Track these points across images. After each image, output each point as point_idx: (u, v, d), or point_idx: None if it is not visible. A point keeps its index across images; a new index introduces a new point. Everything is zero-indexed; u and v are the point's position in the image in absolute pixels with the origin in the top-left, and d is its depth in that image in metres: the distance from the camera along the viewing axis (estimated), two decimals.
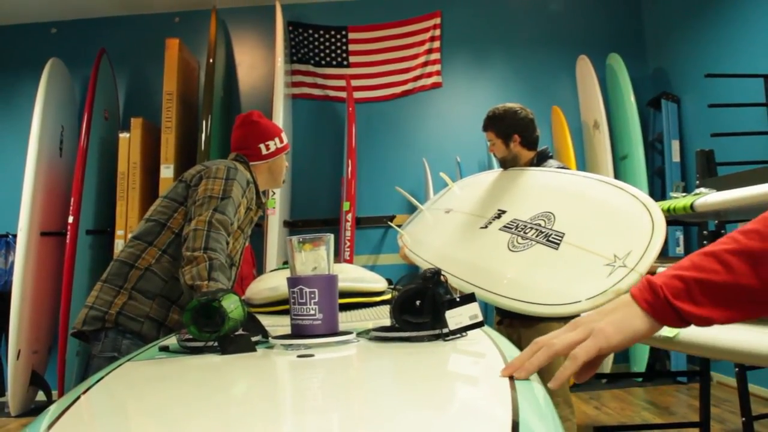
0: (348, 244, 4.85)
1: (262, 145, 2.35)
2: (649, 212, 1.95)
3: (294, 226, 5.38)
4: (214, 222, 1.96)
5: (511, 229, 2.32)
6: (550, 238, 2.10)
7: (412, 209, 5.51)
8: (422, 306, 1.31)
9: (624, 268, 1.79)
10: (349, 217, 4.88)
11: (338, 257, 4.79)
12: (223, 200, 2.03)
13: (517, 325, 2.61)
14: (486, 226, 2.49)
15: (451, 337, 1.27)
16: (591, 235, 2.03)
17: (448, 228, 2.84)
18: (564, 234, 2.08)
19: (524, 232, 2.23)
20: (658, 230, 1.88)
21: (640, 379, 4.98)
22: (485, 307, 5.16)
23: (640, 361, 5.03)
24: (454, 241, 2.69)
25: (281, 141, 2.40)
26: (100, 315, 2.02)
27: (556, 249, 2.05)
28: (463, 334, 1.29)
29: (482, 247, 2.43)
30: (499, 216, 2.48)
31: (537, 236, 2.16)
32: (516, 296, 2.02)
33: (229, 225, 2.01)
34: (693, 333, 2.38)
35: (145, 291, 2.05)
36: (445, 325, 1.27)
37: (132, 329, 2.02)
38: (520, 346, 2.55)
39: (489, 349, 1.18)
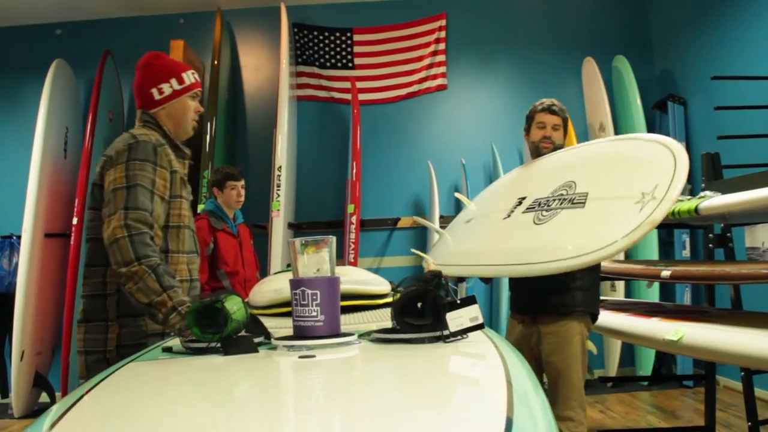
0: (352, 246, 4.84)
1: (154, 90, 2.08)
2: (669, 148, 1.93)
3: (299, 228, 5.37)
4: (130, 224, 1.78)
5: (534, 208, 2.28)
6: (574, 201, 2.07)
7: (416, 212, 5.51)
8: (423, 308, 1.30)
9: (654, 201, 1.76)
10: (354, 219, 4.87)
11: (342, 259, 4.78)
12: (130, 190, 1.83)
13: (539, 322, 2.58)
14: (509, 216, 2.45)
15: (451, 338, 1.27)
16: (614, 184, 2.01)
17: (471, 234, 2.82)
18: (587, 193, 2.05)
19: (547, 206, 2.20)
20: (681, 161, 1.84)
21: (646, 383, 4.96)
22: (490, 307, 5.10)
23: (646, 365, 5.01)
24: (480, 240, 2.67)
25: (180, 82, 2.11)
26: (101, 357, 1.90)
27: (583, 207, 2.02)
28: (464, 335, 1.28)
29: (508, 232, 2.39)
30: (519, 203, 2.45)
31: (561, 204, 2.13)
32: (552, 258, 1.99)
33: (148, 216, 1.83)
34: (697, 336, 2.36)
35: (131, 313, 1.91)
36: (446, 326, 1.27)
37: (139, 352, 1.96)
38: (539, 348, 2.54)
39: (489, 351, 1.18)
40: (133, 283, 1.73)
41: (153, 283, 1.72)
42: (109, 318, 1.92)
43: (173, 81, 2.10)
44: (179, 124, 2.12)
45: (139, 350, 1.81)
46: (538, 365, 2.60)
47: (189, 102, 2.13)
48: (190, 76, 2.14)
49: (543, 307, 2.57)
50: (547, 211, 2.17)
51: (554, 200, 2.17)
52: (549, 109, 2.81)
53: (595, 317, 2.64)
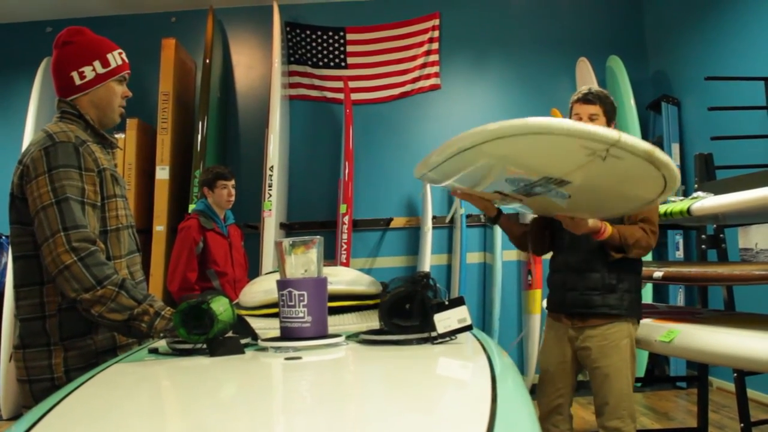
0: (345, 246, 4.82)
1: (74, 74, 1.86)
2: (524, 133, 1.69)
3: (291, 228, 5.35)
4: (76, 246, 1.62)
5: (534, 194, 1.97)
6: (556, 182, 1.80)
7: (409, 212, 5.50)
8: (411, 309, 1.29)
9: (613, 147, 1.52)
10: (346, 219, 4.85)
11: (335, 260, 4.76)
12: (61, 206, 1.66)
13: (575, 324, 2.47)
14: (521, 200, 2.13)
15: (439, 340, 1.26)
16: (556, 166, 1.76)
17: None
18: (549, 175, 1.78)
19: (545, 189, 1.89)
20: (534, 122, 1.62)
21: (639, 384, 4.95)
22: (483, 309, 5.07)
23: (639, 366, 4.99)
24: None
25: (104, 64, 1.88)
26: (48, 385, 1.71)
27: (571, 183, 1.76)
28: (452, 337, 1.27)
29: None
30: (504, 194, 2.15)
31: (549, 186, 1.84)
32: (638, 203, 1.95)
33: (90, 232, 1.67)
34: (690, 338, 2.35)
35: (76, 333, 1.75)
36: (434, 328, 1.25)
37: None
38: (582, 352, 2.43)
39: (476, 353, 1.17)
40: (101, 305, 1.60)
41: (127, 300, 1.61)
42: (52, 342, 1.74)
43: (96, 63, 1.87)
44: (104, 113, 1.92)
45: (92, 368, 1.60)
46: (577, 369, 2.55)
47: (115, 87, 1.93)
48: (116, 57, 1.92)
49: (572, 305, 2.47)
50: (548, 192, 1.90)
51: (537, 186, 1.88)
52: (584, 99, 2.55)
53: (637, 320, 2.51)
